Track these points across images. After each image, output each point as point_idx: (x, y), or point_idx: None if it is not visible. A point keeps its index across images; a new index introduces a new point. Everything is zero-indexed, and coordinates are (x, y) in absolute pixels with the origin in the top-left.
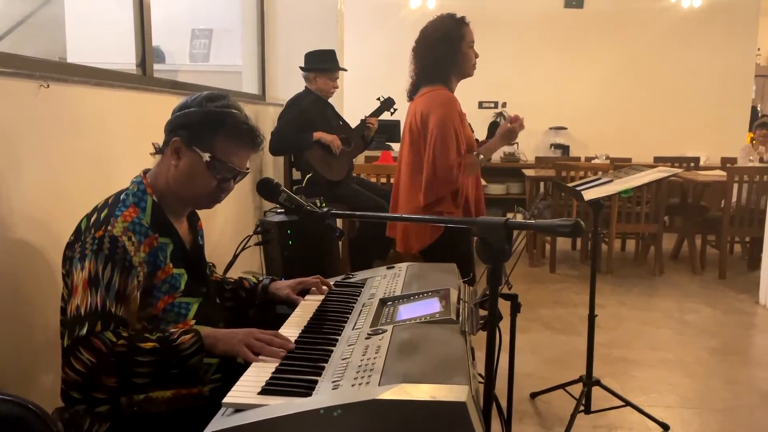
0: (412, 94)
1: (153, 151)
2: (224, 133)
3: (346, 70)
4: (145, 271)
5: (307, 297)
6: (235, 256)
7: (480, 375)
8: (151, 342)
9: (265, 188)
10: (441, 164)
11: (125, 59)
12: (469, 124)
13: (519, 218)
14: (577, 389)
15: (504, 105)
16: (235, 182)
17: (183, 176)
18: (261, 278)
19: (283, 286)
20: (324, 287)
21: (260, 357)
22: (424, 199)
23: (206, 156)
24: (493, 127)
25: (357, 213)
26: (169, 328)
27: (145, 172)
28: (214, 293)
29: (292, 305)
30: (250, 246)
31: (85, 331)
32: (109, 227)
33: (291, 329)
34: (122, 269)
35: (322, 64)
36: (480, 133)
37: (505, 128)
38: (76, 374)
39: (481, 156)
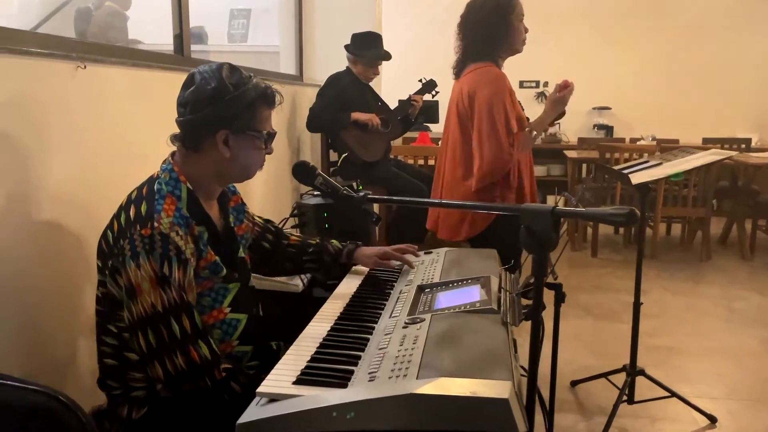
0: (458, 72)
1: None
2: (260, 106)
3: (388, 59)
4: (194, 262)
5: (344, 282)
6: None
7: (522, 368)
8: (238, 386)
9: (301, 171)
10: (491, 145)
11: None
12: (519, 102)
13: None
14: (619, 378)
15: (546, 84)
16: None
17: (240, 161)
18: (344, 243)
19: (371, 254)
20: (407, 255)
21: None
22: (477, 183)
23: (262, 134)
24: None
25: (395, 198)
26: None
27: (173, 155)
28: (248, 277)
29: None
30: (286, 229)
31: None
32: (155, 224)
33: (326, 317)
34: (179, 263)
35: (362, 52)
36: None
37: (554, 97)
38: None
39: (534, 132)
